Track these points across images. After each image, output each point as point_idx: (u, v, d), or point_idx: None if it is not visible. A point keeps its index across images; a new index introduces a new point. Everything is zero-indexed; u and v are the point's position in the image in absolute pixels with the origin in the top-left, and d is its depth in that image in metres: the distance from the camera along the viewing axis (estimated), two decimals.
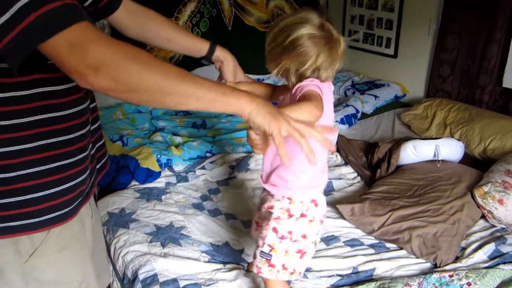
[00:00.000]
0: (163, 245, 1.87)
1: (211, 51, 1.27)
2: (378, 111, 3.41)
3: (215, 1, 3.52)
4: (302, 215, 1.32)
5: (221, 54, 1.31)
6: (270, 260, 1.33)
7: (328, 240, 1.94)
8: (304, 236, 1.32)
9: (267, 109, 0.86)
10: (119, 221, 2.02)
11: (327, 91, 1.20)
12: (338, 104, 3.41)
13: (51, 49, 0.68)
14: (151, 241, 1.88)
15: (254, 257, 1.38)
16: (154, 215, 2.09)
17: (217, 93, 0.82)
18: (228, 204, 2.24)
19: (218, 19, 3.58)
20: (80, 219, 0.98)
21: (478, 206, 2.04)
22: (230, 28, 3.67)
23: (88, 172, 0.98)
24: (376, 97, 3.45)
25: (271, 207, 1.35)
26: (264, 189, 1.42)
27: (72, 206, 0.94)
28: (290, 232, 1.31)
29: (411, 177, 2.26)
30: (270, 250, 1.32)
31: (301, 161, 1.16)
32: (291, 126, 0.86)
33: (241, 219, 2.11)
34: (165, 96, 0.77)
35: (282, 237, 1.31)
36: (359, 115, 3.23)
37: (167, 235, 1.93)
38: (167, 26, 1.22)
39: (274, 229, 1.32)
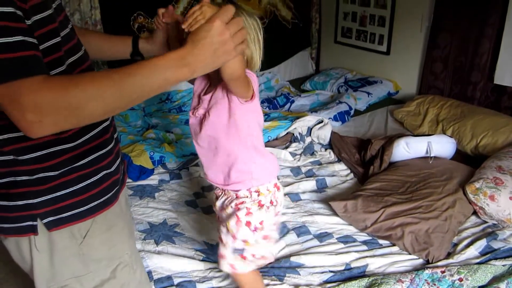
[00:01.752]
0: (157, 243, 1.86)
1: (135, 42, 1.23)
2: (371, 108, 3.42)
3: None
4: (271, 203, 1.35)
5: (146, 43, 1.24)
6: (243, 254, 1.35)
7: (322, 236, 1.94)
8: (261, 223, 1.34)
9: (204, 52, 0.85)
10: None
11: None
12: (331, 101, 3.42)
13: None
14: (144, 239, 1.88)
15: (222, 256, 1.37)
16: (148, 213, 2.09)
17: (161, 81, 0.82)
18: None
19: None
20: (119, 203, 1.04)
21: (470, 202, 2.05)
22: None
23: (118, 160, 1.04)
24: (369, 94, 3.46)
25: (241, 204, 1.33)
26: (223, 194, 1.41)
27: (111, 193, 1.00)
28: (261, 223, 1.33)
29: (404, 173, 2.27)
30: (244, 245, 1.33)
31: (253, 144, 1.28)
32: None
33: None
34: (118, 109, 0.80)
35: (255, 229, 1.32)
36: (352, 112, 3.24)
37: (160, 233, 1.93)
38: (93, 36, 1.22)
39: (248, 223, 1.31)
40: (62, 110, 0.72)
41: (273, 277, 1.71)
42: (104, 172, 0.97)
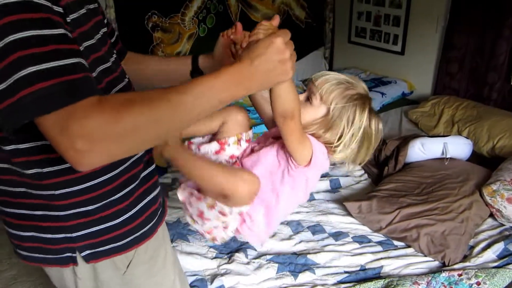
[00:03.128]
0: (172, 241, 1.86)
1: (195, 62, 1.16)
2: (385, 108, 3.39)
3: None
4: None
5: (204, 60, 1.17)
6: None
7: (337, 235, 1.93)
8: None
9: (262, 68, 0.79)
10: None
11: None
12: None
13: (42, 128, 0.65)
14: None
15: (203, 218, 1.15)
16: None
17: (216, 101, 0.77)
18: None
19: (225, 15, 3.56)
20: (157, 235, 1.02)
21: (487, 204, 2.03)
22: None
23: (156, 190, 1.02)
24: (383, 94, 3.43)
25: None
26: None
27: (150, 225, 0.98)
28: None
29: (419, 174, 2.25)
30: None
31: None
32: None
33: None
34: (171, 131, 0.75)
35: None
36: None
37: (175, 231, 1.93)
38: (157, 58, 1.22)
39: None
40: (115, 136, 0.65)
41: (287, 272, 1.71)
42: (142, 204, 0.95)
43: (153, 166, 1.03)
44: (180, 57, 1.23)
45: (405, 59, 3.60)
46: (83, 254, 0.90)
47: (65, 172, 0.82)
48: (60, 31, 0.66)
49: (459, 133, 2.75)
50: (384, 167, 2.43)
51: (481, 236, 1.92)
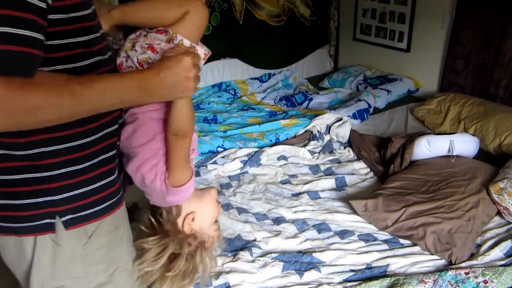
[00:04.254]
0: None
1: None
2: (390, 105, 3.38)
3: None
4: None
5: None
6: None
7: (343, 233, 1.92)
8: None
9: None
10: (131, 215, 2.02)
11: None
12: (350, 99, 3.38)
13: None
14: None
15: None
16: None
17: (119, 100, 0.82)
18: (240, 198, 2.23)
19: (229, 13, 3.55)
20: (122, 208, 1.04)
21: (494, 202, 2.01)
22: (241, 22, 3.64)
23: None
24: (388, 91, 3.41)
25: None
26: None
27: (121, 193, 1.01)
28: None
29: (425, 172, 2.23)
30: None
31: None
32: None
33: (253, 212, 2.11)
34: (68, 119, 0.77)
35: None
36: (371, 110, 3.20)
37: None
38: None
39: None
40: (14, 113, 0.68)
41: (293, 271, 1.71)
42: (117, 171, 0.99)
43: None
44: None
45: (411, 56, 3.58)
46: (64, 219, 0.90)
47: (55, 129, 0.83)
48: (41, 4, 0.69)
49: (466, 130, 2.73)
50: (390, 165, 2.41)
51: (488, 234, 1.91)
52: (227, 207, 2.15)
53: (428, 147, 2.36)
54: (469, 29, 3.05)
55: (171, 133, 0.99)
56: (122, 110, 1.03)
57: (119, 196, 1.01)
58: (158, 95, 0.87)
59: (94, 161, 0.92)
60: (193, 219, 1.13)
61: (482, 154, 2.51)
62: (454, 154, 2.31)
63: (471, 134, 2.53)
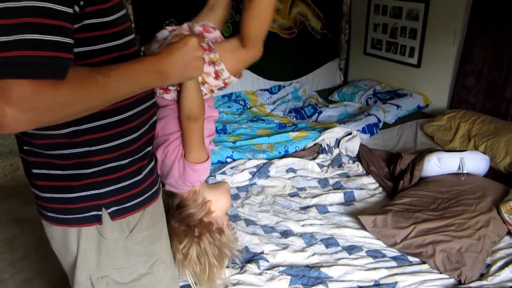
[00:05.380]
0: None
1: None
2: (400, 121, 3.37)
3: (239, 7, 3.53)
4: None
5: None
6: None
7: (351, 249, 1.91)
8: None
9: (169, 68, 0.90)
10: None
11: None
12: (360, 113, 3.38)
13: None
14: None
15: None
16: None
17: (135, 86, 0.86)
18: (248, 210, 2.23)
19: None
20: (160, 200, 1.11)
21: (504, 222, 1.99)
22: None
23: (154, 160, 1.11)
24: (398, 106, 3.41)
25: None
26: None
27: (158, 184, 1.08)
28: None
29: (435, 189, 2.22)
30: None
31: None
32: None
33: (261, 224, 2.10)
34: (88, 111, 0.81)
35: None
36: (381, 124, 3.20)
37: None
38: None
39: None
40: (47, 110, 0.72)
41: (300, 285, 1.69)
42: (151, 165, 1.05)
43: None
44: None
45: (421, 72, 3.58)
46: (110, 210, 0.96)
47: (101, 129, 0.90)
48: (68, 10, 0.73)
49: (476, 148, 2.71)
50: (399, 181, 2.40)
51: (498, 254, 1.89)
52: (235, 218, 2.15)
53: (438, 164, 2.35)
54: (480, 46, 3.05)
55: (184, 117, 1.09)
56: (157, 107, 1.11)
57: (157, 186, 1.07)
58: (173, 77, 0.92)
59: (136, 156, 0.98)
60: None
61: (493, 172, 2.49)
62: (464, 172, 2.29)
63: (482, 152, 2.52)
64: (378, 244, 1.95)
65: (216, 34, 1.23)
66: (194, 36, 0.93)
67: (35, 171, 0.95)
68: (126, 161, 0.96)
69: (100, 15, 0.82)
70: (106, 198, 0.95)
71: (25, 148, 0.95)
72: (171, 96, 1.14)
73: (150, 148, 1.05)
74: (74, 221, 0.96)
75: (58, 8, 0.71)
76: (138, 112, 0.97)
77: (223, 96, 3.61)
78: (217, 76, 1.16)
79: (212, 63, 1.13)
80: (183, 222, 1.20)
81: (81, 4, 0.77)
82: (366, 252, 1.90)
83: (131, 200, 0.99)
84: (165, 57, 0.90)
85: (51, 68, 0.71)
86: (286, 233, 2.03)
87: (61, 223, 0.97)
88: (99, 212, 0.95)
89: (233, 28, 3.53)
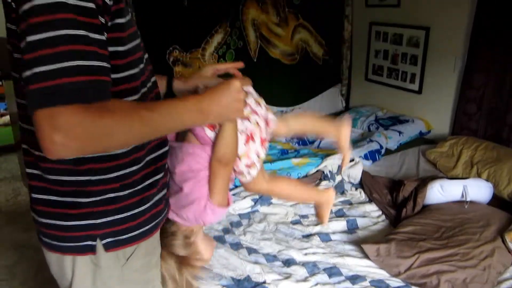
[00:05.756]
0: None
1: (169, 85, 1.30)
2: (402, 147, 3.37)
3: (242, 33, 3.59)
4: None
5: (177, 85, 1.31)
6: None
7: (354, 279, 1.89)
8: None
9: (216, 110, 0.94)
10: None
11: None
12: (362, 139, 3.39)
13: (38, 115, 0.70)
14: None
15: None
16: None
17: (178, 123, 0.89)
18: (250, 238, 2.21)
19: (244, 51, 3.63)
20: (157, 234, 1.10)
21: (509, 251, 1.97)
22: (255, 60, 3.72)
23: (164, 190, 1.10)
24: (400, 133, 3.42)
25: None
26: None
27: (159, 218, 1.06)
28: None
29: (438, 218, 2.20)
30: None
31: None
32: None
33: (263, 253, 2.08)
34: (133, 143, 0.86)
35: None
36: (383, 151, 3.20)
37: None
38: None
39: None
40: (90, 138, 0.73)
41: None
42: (157, 197, 1.04)
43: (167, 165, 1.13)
44: (158, 77, 1.27)
45: (423, 98, 3.60)
46: (104, 241, 0.95)
47: (105, 159, 0.90)
48: (102, 37, 0.76)
49: (479, 175, 2.70)
50: (402, 209, 2.39)
51: (503, 285, 1.86)
52: (236, 246, 2.13)
53: (441, 192, 2.34)
54: (481, 73, 3.08)
55: (215, 159, 1.13)
56: (167, 139, 1.10)
57: (161, 217, 1.06)
58: (213, 116, 0.93)
59: (136, 188, 0.97)
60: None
61: (496, 200, 2.48)
62: (467, 200, 2.28)
63: (485, 180, 2.51)
64: (382, 274, 1.93)
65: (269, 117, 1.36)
66: (238, 79, 0.97)
67: (34, 195, 0.95)
68: (126, 192, 0.95)
69: (121, 42, 0.85)
70: (102, 228, 0.94)
71: (28, 171, 0.95)
72: (212, 134, 1.17)
73: (156, 178, 1.03)
74: (67, 249, 0.95)
75: (92, 36, 0.74)
76: (141, 144, 0.97)
77: None
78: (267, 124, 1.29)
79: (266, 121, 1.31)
80: (165, 247, 1.21)
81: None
82: (369, 282, 1.87)
83: (128, 232, 0.98)
84: (207, 96, 0.93)
85: (94, 92, 0.74)
86: (288, 262, 2.01)
87: (56, 250, 0.97)
88: (94, 243, 0.95)
89: (236, 54, 3.59)
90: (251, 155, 1.25)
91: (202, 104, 0.91)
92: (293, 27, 3.86)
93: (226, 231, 2.27)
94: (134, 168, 0.95)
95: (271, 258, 2.05)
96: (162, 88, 1.29)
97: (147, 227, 1.01)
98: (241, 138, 1.24)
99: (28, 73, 0.70)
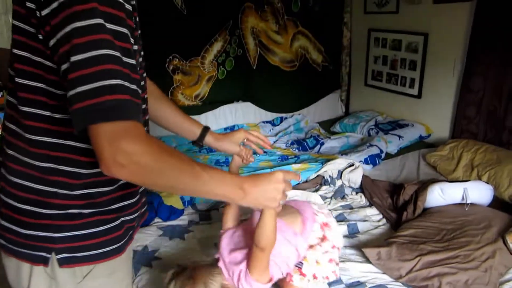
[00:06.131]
0: None
1: (202, 136, 1.39)
2: (402, 151, 3.37)
3: (241, 41, 3.62)
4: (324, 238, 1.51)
5: (210, 140, 1.42)
6: (301, 268, 1.46)
7: (354, 286, 1.88)
8: (333, 247, 1.48)
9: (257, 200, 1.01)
10: (142, 259, 2.01)
11: None
12: (362, 144, 3.40)
13: (96, 130, 0.74)
14: None
15: (289, 274, 1.48)
16: (177, 254, 2.08)
17: (218, 191, 0.93)
18: None
19: (244, 58, 3.66)
20: (128, 250, 1.08)
21: (511, 252, 1.96)
22: (254, 67, 3.74)
23: (138, 212, 1.08)
24: (400, 137, 3.42)
25: None
26: None
27: (123, 241, 1.03)
28: (320, 244, 1.47)
29: (439, 220, 2.20)
30: (303, 260, 1.45)
31: None
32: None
33: None
34: (174, 191, 0.96)
35: (312, 247, 1.45)
36: (383, 155, 3.20)
37: None
38: (174, 108, 1.34)
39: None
40: (146, 169, 0.78)
41: None
42: (122, 219, 1.01)
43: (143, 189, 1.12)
44: (193, 121, 1.39)
45: (422, 102, 3.62)
46: (59, 256, 0.94)
47: (75, 176, 0.90)
48: (133, 61, 0.80)
49: (479, 177, 2.70)
50: (402, 212, 2.38)
51: (505, 286, 1.84)
52: None
53: (441, 195, 2.34)
54: (479, 76, 3.09)
55: (254, 242, 1.23)
56: None
57: (120, 244, 1.02)
58: (251, 198, 0.99)
59: (102, 209, 0.96)
60: None
61: (497, 202, 2.47)
62: (468, 202, 2.28)
63: (485, 182, 2.50)
64: (383, 279, 1.92)
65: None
66: (283, 171, 1.04)
67: (1, 197, 0.95)
68: (89, 211, 0.94)
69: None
70: (58, 243, 0.93)
71: None
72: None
73: (125, 203, 1.01)
74: (22, 255, 0.95)
75: (125, 60, 0.77)
76: None
77: (225, 128, 3.64)
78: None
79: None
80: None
81: None
82: None
83: (85, 250, 0.96)
84: (251, 178, 0.99)
85: (132, 111, 0.77)
86: None
87: (12, 253, 0.96)
88: (48, 255, 0.93)
89: (235, 62, 3.61)
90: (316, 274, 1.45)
91: (245, 184, 0.97)
92: (292, 34, 3.89)
93: None
94: (105, 189, 0.95)
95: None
96: (193, 134, 1.38)
97: (107, 249, 0.99)
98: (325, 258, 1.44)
99: (72, 92, 0.72)
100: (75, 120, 0.74)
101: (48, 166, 0.88)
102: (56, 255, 0.93)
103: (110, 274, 1.02)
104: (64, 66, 0.74)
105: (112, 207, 0.97)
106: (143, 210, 1.12)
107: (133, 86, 0.78)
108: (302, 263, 1.43)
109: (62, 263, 0.94)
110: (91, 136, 0.74)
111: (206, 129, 1.40)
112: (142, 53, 0.98)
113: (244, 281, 1.29)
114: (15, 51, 0.85)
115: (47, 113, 0.86)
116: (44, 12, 0.75)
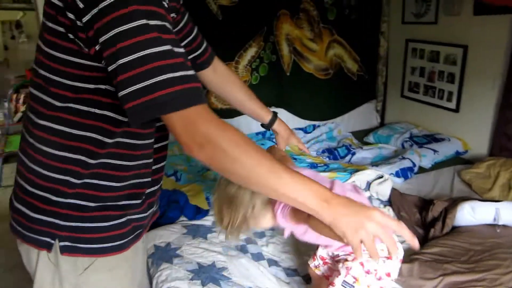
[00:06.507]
0: (203, 284, 1.86)
1: (271, 122, 1.50)
2: (437, 166, 3.27)
3: (275, 47, 3.63)
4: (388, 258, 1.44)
5: (278, 127, 1.54)
6: None
7: None
8: (388, 275, 1.43)
9: (346, 216, 0.87)
10: (164, 255, 2.05)
11: None
12: (394, 156, 3.32)
13: (168, 121, 0.79)
14: (191, 279, 1.89)
15: (332, 284, 1.42)
16: (198, 253, 2.11)
17: (298, 195, 0.87)
18: (272, 249, 2.21)
19: (277, 64, 3.66)
20: (134, 248, 1.10)
21: None
22: (288, 74, 3.74)
23: (151, 210, 1.12)
24: (435, 151, 3.32)
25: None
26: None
27: (127, 239, 1.05)
28: (376, 270, 1.41)
29: (467, 240, 2.12)
30: (354, 282, 1.39)
31: None
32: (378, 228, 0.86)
33: (284, 266, 2.07)
34: (250, 185, 0.87)
35: (368, 272, 1.39)
36: (415, 169, 3.12)
37: (208, 274, 1.93)
38: (243, 91, 1.43)
39: (361, 263, 1.39)
40: (222, 152, 0.80)
41: None
42: (128, 217, 1.04)
43: (158, 186, 1.14)
44: (263, 106, 1.50)
45: (460, 116, 3.50)
46: (62, 244, 0.98)
47: (90, 166, 0.93)
48: (183, 50, 0.83)
49: None
50: (430, 229, 2.31)
51: None
52: (257, 257, 2.13)
53: (471, 214, 2.25)
54: None
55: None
56: (159, 176, 1.13)
57: (123, 241, 1.05)
58: (330, 213, 0.87)
59: (107, 203, 0.99)
60: None
61: None
62: (500, 224, 2.19)
63: None
64: None
65: None
66: (382, 212, 0.88)
67: (17, 180, 1.00)
68: (95, 204, 0.97)
69: None
70: (63, 230, 0.97)
71: (20, 156, 1.00)
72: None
73: (130, 202, 1.04)
74: (30, 240, 0.99)
75: (176, 50, 0.80)
76: (132, 165, 0.99)
77: (257, 134, 3.66)
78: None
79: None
80: None
81: None
82: None
83: (87, 242, 0.99)
84: (342, 197, 0.88)
85: (189, 98, 0.80)
86: (309, 278, 1.99)
87: (22, 238, 1.01)
88: (52, 241, 0.98)
89: (269, 68, 3.62)
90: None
91: (333, 199, 0.87)
92: (327, 42, 3.87)
93: (249, 241, 2.28)
94: (115, 184, 0.98)
95: (291, 272, 2.04)
96: (263, 118, 1.49)
97: (109, 244, 1.02)
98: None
99: (123, 92, 0.77)
100: (131, 119, 0.78)
101: (62, 155, 0.92)
102: (59, 242, 0.98)
103: (110, 270, 1.04)
104: (112, 68, 0.78)
105: (119, 203, 1.00)
106: (151, 210, 1.15)
107: (190, 72, 0.80)
108: (354, 286, 1.38)
109: (64, 250, 0.98)
110: (168, 126, 0.81)
111: (276, 115, 1.52)
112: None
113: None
114: (48, 50, 0.89)
115: (70, 105, 0.90)
116: (85, 19, 0.79)
